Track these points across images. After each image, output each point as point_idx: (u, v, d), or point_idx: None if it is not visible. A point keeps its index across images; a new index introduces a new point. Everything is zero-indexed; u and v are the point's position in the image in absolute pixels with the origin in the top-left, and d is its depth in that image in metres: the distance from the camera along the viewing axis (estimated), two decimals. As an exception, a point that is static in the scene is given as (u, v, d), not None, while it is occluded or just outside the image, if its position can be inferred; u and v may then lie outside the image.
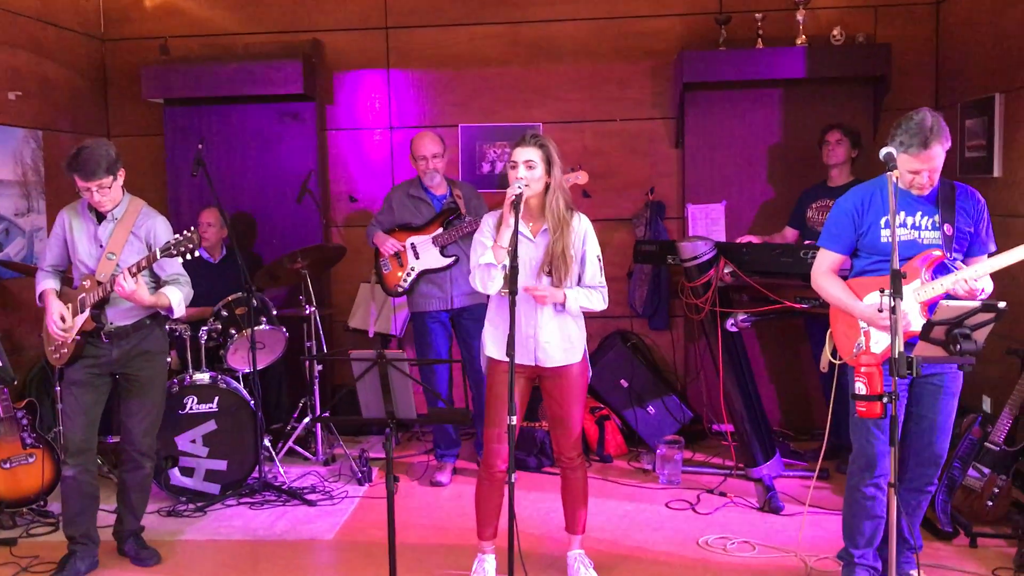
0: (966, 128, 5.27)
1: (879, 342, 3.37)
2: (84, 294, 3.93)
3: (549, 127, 6.07)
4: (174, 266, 4.04)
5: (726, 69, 5.66)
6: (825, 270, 3.60)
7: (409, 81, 6.21)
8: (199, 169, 5.03)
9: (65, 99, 5.91)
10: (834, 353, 3.60)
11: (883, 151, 3.16)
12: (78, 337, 3.94)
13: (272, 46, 6.17)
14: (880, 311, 3.24)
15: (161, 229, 4.02)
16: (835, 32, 5.63)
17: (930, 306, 3.27)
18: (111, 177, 3.86)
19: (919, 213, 3.43)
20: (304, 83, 5.85)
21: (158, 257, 3.81)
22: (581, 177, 4.43)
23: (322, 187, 6.22)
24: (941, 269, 3.38)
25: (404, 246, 5.11)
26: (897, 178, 3.35)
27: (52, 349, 4.05)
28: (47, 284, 4.07)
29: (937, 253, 3.38)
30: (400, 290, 5.17)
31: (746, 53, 5.66)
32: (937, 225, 3.40)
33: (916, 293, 3.34)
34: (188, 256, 3.81)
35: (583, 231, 3.72)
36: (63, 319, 3.94)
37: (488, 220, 3.76)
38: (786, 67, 5.59)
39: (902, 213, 3.42)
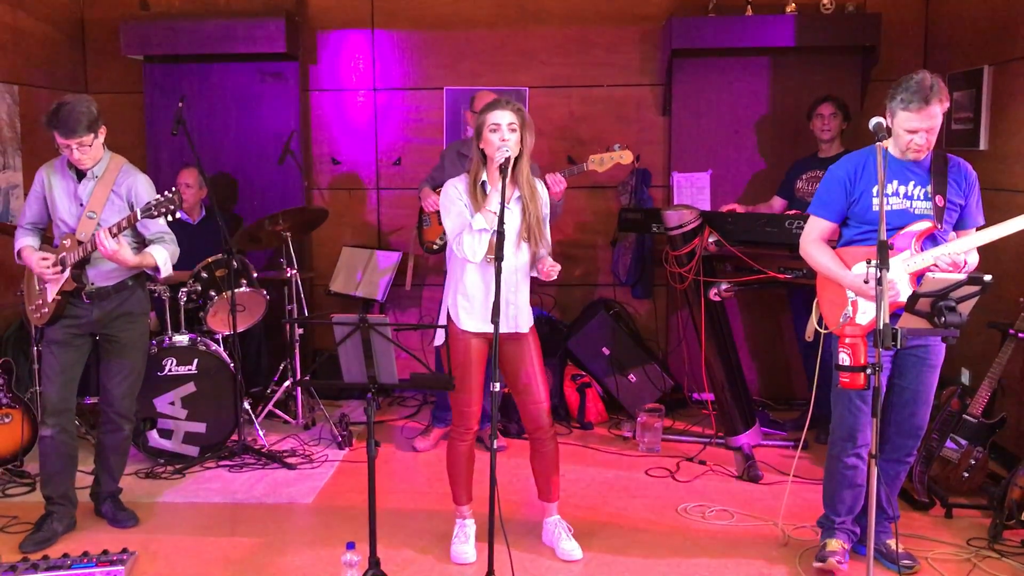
0: (953, 100, 5.24)
1: (866, 312, 3.36)
2: (65, 253, 3.86)
3: (535, 91, 6.00)
4: (158, 224, 3.95)
5: (715, 36, 5.60)
6: (815, 238, 3.59)
7: (394, 42, 6.11)
8: (179, 128, 4.94)
9: (42, 53, 5.77)
10: (820, 322, 3.60)
11: (873, 121, 3.13)
12: (59, 297, 3.88)
13: (255, 3, 6.04)
14: (866, 282, 3.23)
15: (142, 187, 3.95)
16: (825, 1, 5.58)
17: (918, 278, 3.27)
18: (92, 135, 3.78)
19: (912, 183, 3.41)
20: (287, 42, 5.75)
21: (139, 218, 3.76)
22: (625, 157, 4.23)
23: (304, 149, 6.14)
24: (931, 241, 3.38)
25: None
26: (887, 148, 3.34)
27: (33, 308, 3.99)
28: (25, 241, 4.00)
29: (927, 224, 3.37)
30: (434, 247, 5.17)
31: (735, 20, 5.61)
32: (929, 196, 3.39)
33: (906, 264, 3.33)
34: (169, 217, 3.76)
35: (546, 196, 3.77)
36: (46, 259, 3.86)
37: (456, 186, 3.65)
38: (775, 35, 5.54)
39: (895, 182, 3.40)
